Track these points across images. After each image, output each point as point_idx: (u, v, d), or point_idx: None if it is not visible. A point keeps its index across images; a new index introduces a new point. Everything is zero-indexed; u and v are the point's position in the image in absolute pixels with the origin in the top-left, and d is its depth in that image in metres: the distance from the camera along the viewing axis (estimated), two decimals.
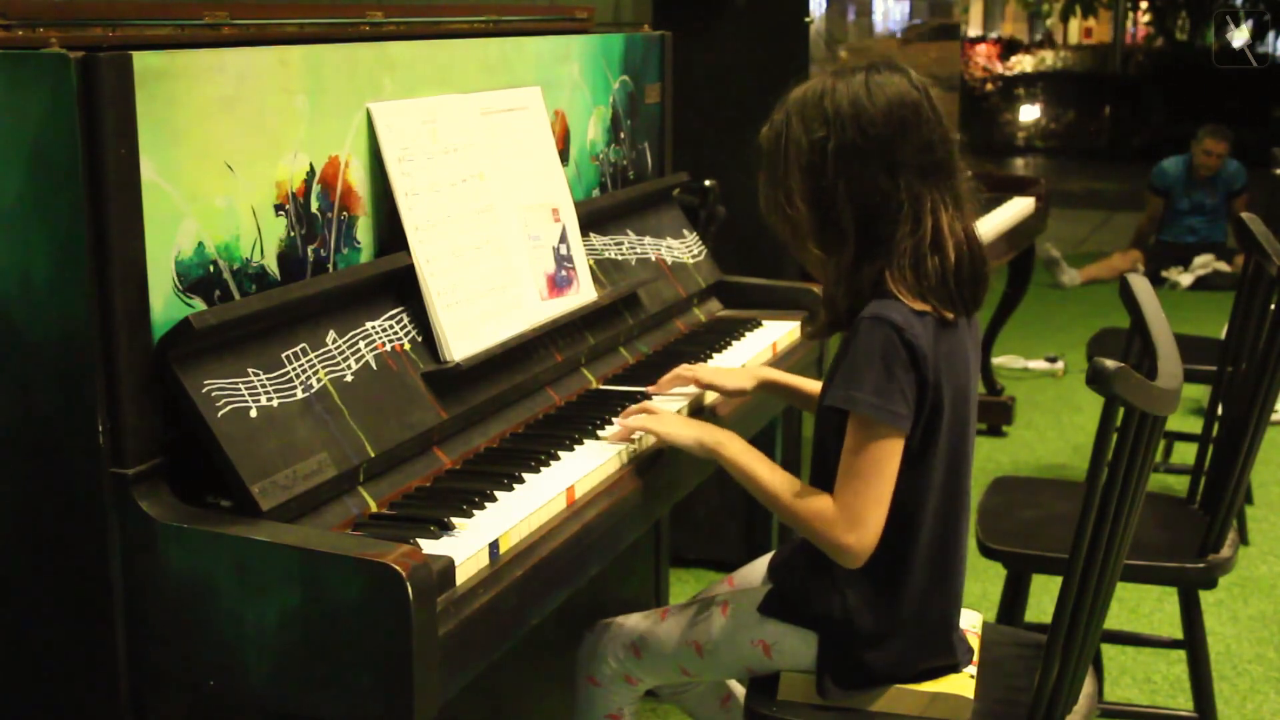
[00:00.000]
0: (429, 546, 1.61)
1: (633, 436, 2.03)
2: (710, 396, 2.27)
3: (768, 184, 1.91)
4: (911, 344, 1.79)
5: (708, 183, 2.99)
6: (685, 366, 2.27)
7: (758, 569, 2.17)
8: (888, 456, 1.78)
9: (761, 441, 2.78)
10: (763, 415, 2.52)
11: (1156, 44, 15.78)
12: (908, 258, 1.82)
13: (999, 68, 15.30)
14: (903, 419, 1.78)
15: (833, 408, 1.82)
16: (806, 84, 1.89)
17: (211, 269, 1.67)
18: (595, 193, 2.59)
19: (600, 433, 2.06)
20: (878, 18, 4.13)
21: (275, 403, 1.66)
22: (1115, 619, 3.42)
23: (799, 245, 1.92)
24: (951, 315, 1.84)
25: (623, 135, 2.69)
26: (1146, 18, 16.59)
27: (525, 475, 1.87)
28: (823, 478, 1.88)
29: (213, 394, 1.59)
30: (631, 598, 2.83)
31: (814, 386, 2.26)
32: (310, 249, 1.84)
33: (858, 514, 1.78)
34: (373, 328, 1.88)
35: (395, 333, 1.91)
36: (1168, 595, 3.57)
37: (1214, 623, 3.43)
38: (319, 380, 1.74)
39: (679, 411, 2.16)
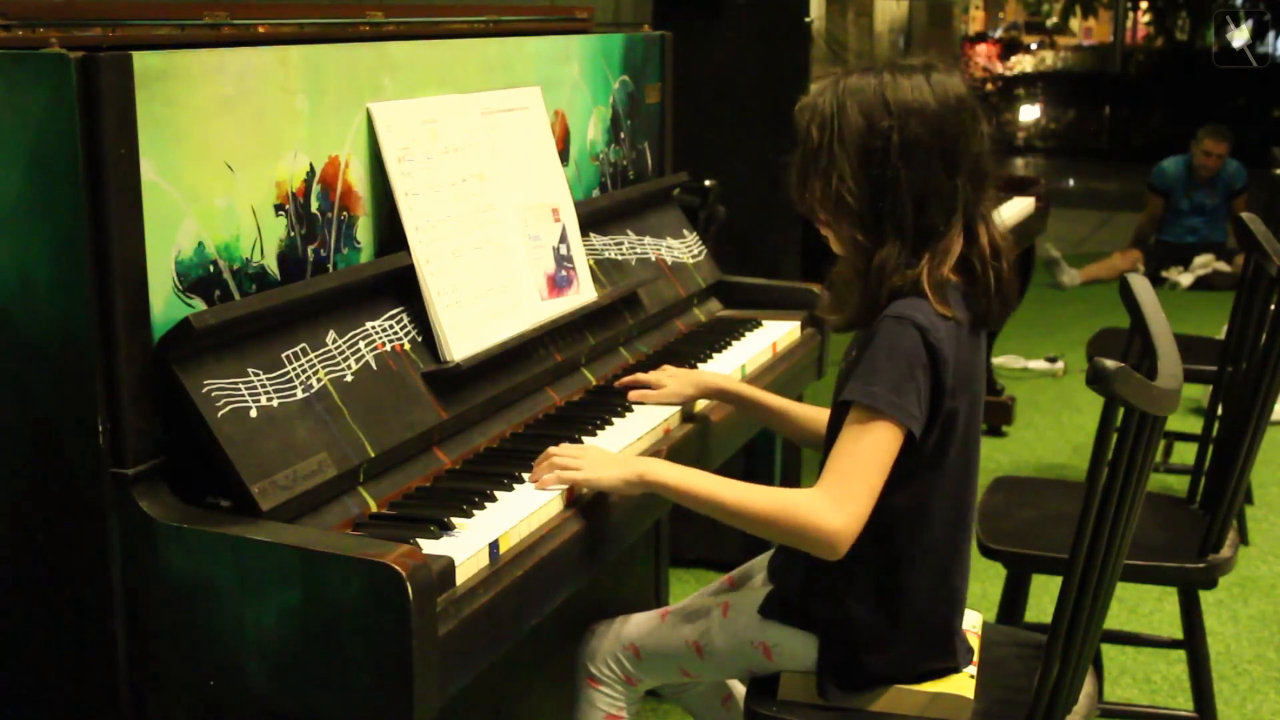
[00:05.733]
0: (429, 546, 1.61)
1: (630, 438, 2.03)
2: (700, 404, 2.26)
3: (809, 167, 1.87)
4: (934, 346, 1.78)
5: (708, 183, 3.00)
6: (639, 375, 2.25)
7: (757, 569, 2.17)
8: (888, 450, 1.77)
9: (762, 442, 2.80)
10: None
11: (1156, 44, 15.78)
12: (953, 259, 1.82)
13: (999, 68, 15.30)
14: (914, 419, 1.77)
15: (847, 403, 1.81)
16: (854, 75, 1.86)
17: (211, 269, 1.67)
18: (595, 193, 2.59)
19: (600, 433, 2.06)
20: (878, 17, 4.13)
21: (275, 403, 1.66)
22: (1115, 619, 3.42)
23: (838, 230, 1.88)
24: (987, 324, 1.85)
25: (623, 135, 2.68)
26: (1146, 18, 16.59)
27: (525, 475, 1.86)
28: None
29: (213, 394, 1.59)
30: (631, 598, 2.83)
31: (777, 401, 2.23)
32: (310, 249, 1.84)
33: (847, 499, 1.75)
34: (373, 328, 1.88)
35: (395, 333, 1.91)
36: (1168, 595, 3.56)
37: (1214, 623, 3.43)
38: (319, 380, 1.74)
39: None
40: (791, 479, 3.45)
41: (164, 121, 1.59)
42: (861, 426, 1.77)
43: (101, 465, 1.55)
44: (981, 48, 15.39)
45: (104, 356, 1.54)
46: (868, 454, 1.76)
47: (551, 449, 1.89)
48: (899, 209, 1.82)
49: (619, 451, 1.91)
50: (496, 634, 1.63)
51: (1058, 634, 1.80)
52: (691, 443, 2.18)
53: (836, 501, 1.76)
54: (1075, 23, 17.87)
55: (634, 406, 2.18)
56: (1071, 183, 12.67)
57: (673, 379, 2.22)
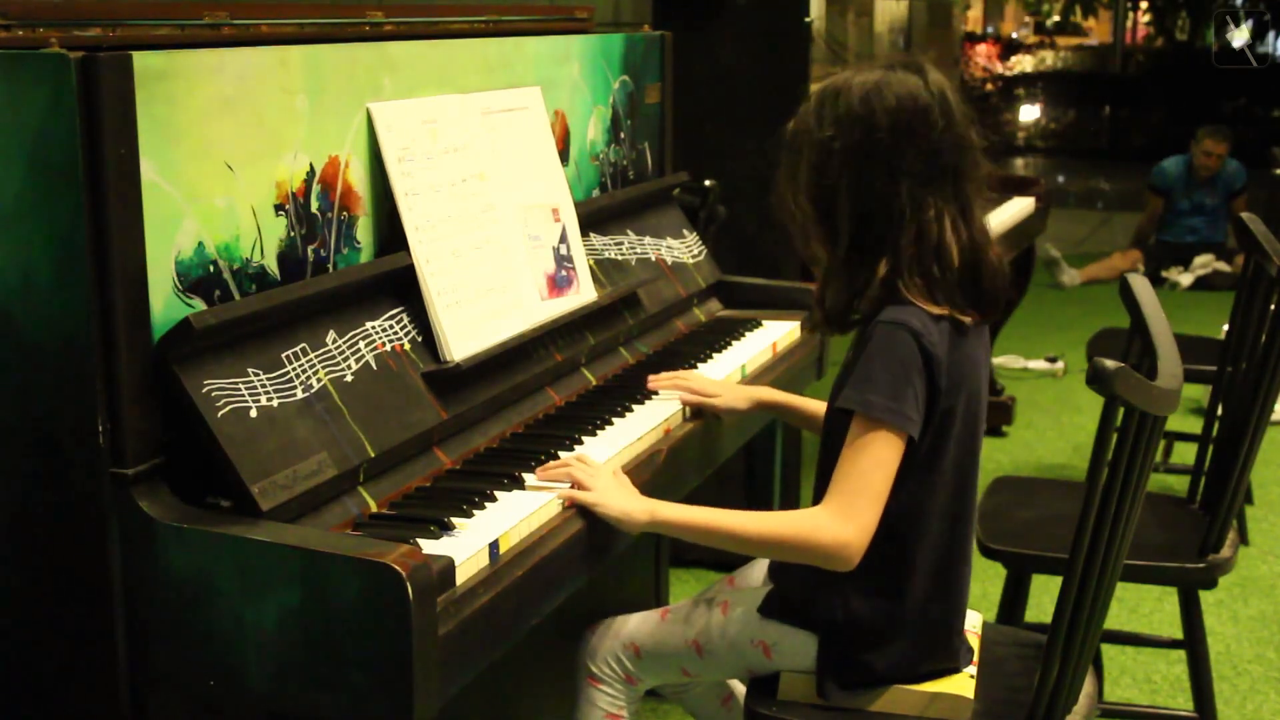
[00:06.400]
0: (429, 546, 1.61)
1: (631, 438, 2.04)
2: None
3: (781, 178, 1.91)
4: (928, 350, 1.78)
5: (708, 183, 2.99)
6: (683, 373, 2.26)
7: (758, 569, 2.17)
8: (890, 458, 1.78)
9: (762, 442, 2.80)
10: (763, 417, 2.52)
11: (1156, 44, 15.78)
12: (916, 264, 1.82)
13: (999, 68, 15.30)
14: (912, 423, 1.78)
15: (843, 410, 1.81)
16: (833, 78, 1.89)
17: (211, 269, 1.67)
18: (595, 193, 2.59)
19: (600, 433, 2.06)
20: (878, 17, 4.13)
21: (275, 403, 1.66)
22: (1115, 619, 3.42)
23: (803, 240, 1.92)
24: (968, 320, 1.84)
25: (623, 135, 2.68)
26: (1146, 18, 16.59)
27: (525, 475, 1.86)
28: (828, 481, 1.87)
29: (213, 394, 1.59)
30: (631, 598, 2.83)
31: (811, 405, 2.26)
32: (310, 249, 1.84)
33: (854, 510, 1.77)
34: (373, 328, 1.88)
35: (395, 333, 1.91)
36: (1168, 595, 3.56)
37: (1214, 623, 3.43)
38: (319, 380, 1.74)
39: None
40: (791, 477, 3.45)
41: (164, 121, 1.59)
42: (862, 437, 1.78)
43: (101, 465, 1.55)
44: (981, 48, 15.38)
45: (104, 356, 1.54)
46: (870, 464, 1.77)
47: (568, 457, 1.90)
48: (840, 219, 1.84)
49: (619, 478, 1.90)
50: (496, 634, 1.63)
51: (1058, 634, 1.80)
52: (692, 442, 2.18)
53: (844, 515, 1.77)
54: (1078, 20, 17.89)
55: (634, 407, 2.18)
56: (1071, 183, 12.66)
57: (727, 391, 2.25)
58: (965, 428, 1.87)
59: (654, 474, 2.01)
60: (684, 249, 2.77)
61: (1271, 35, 13.34)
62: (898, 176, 1.82)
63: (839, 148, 1.83)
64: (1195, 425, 3.63)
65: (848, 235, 1.84)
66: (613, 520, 1.83)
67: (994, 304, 1.88)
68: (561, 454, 1.94)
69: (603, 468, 1.89)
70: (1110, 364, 1.64)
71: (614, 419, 2.12)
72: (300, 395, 1.70)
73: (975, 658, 1.98)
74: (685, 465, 2.15)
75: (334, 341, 1.80)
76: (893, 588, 1.88)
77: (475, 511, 1.73)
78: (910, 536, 1.86)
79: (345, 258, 1.91)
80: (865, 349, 1.81)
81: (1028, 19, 19.40)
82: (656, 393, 2.24)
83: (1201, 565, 2.50)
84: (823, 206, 1.86)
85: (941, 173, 1.83)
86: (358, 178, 1.93)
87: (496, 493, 1.80)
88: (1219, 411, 2.80)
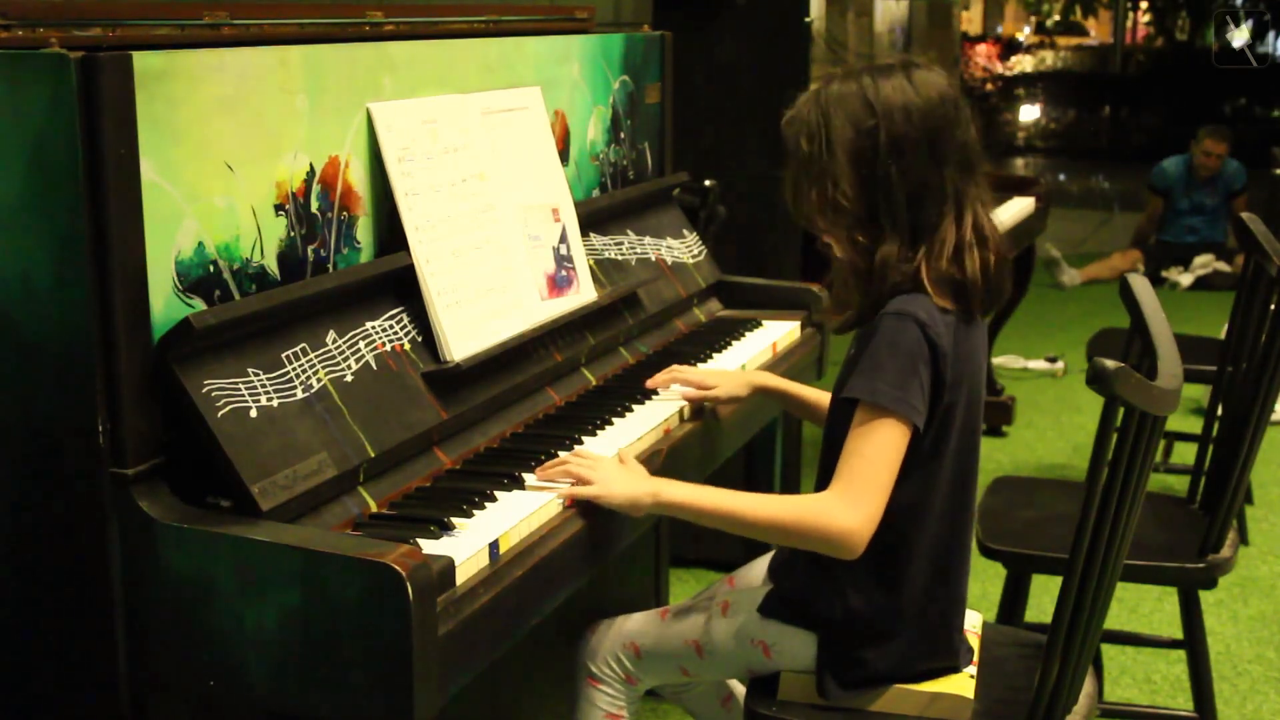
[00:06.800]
0: (429, 546, 1.61)
1: (631, 437, 2.04)
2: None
3: (803, 177, 1.90)
4: (934, 341, 1.79)
5: (708, 183, 2.99)
6: (679, 368, 2.27)
7: (758, 569, 2.17)
8: (896, 447, 1.78)
9: (762, 442, 2.80)
10: (763, 416, 2.52)
11: (1156, 44, 15.78)
12: (949, 249, 1.83)
13: (999, 68, 15.30)
14: (918, 413, 1.78)
15: (848, 400, 1.82)
16: (835, 82, 1.89)
17: (211, 269, 1.67)
18: (595, 193, 2.59)
19: (600, 433, 2.06)
20: (878, 17, 4.13)
21: (275, 403, 1.66)
22: (1115, 619, 3.42)
23: (837, 234, 1.90)
24: (976, 312, 1.86)
25: (623, 135, 2.68)
26: (1146, 18, 16.60)
27: (525, 475, 1.86)
28: (831, 474, 1.87)
29: (213, 394, 1.59)
30: (631, 598, 2.83)
31: (810, 393, 2.27)
32: (310, 249, 1.84)
33: (860, 497, 1.77)
34: (373, 328, 1.88)
35: (395, 333, 1.91)
36: (1168, 595, 3.57)
37: (1214, 623, 3.43)
38: (319, 380, 1.74)
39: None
40: (791, 477, 3.45)
41: (164, 121, 1.59)
42: (869, 425, 1.78)
43: (101, 465, 1.55)
44: (981, 48, 15.38)
45: (104, 357, 1.54)
46: (877, 452, 1.77)
47: (566, 455, 1.90)
48: (893, 205, 1.84)
49: (627, 464, 1.90)
50: (496, 634, 1.63)
51: (1058, 634, 1.80)
52: (692, 442, 2.18)
53: (850, 501, 1.77)
54: (1078, 20, 17.89)
55: (634, 407, 2.18)
56: (1071, 182, 12.67)
57: (724, 380, 2.25)
58: (966, 423, 1.87)
59: (654, 474, 2.00)
60: (684, 249, 2.77)
61: (1271, 35, 13.34)
62: (942, 163, 1.84)
63: (884, 138, 1.83)
64: (1195, 425, 3.63)
65: (904, 222, 1.84)
66: (618, 509, 1.83)
67: (1000, 298, 1.90)
68: (561, 454, 1.94)
69: (603, 457, 1.89)
70: (1110, 364, 1.64)
71: (614, 419, 2.12)
72: (300, 395, 1.70)
73: (975, 658, 1.98)
74: (685, 465, 2.15)
75: (334, 341, 1.80)
76: (892, 584, 1.88)
77: (475, 511, 1.73)
78: (911, 532, 1.87)
79: (345, 258, 1.91)
80: (872, 339, 1.82)
81: (1031, 19, 19.43)
82: (656, 392, 2.24)
83: (1201, 565, 2.50)
84: (871, 198, 1.85)
85: (970, 164, 1.87)
86: (358, 178, 1.93)
87: (496, 493, 1.80)
88: (1219, 411, 2.80)
